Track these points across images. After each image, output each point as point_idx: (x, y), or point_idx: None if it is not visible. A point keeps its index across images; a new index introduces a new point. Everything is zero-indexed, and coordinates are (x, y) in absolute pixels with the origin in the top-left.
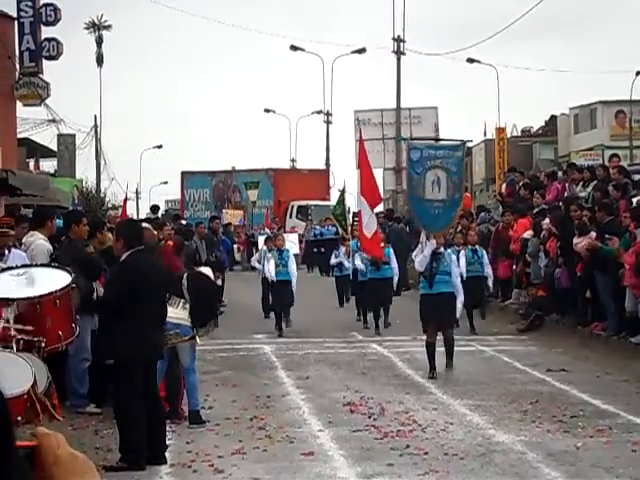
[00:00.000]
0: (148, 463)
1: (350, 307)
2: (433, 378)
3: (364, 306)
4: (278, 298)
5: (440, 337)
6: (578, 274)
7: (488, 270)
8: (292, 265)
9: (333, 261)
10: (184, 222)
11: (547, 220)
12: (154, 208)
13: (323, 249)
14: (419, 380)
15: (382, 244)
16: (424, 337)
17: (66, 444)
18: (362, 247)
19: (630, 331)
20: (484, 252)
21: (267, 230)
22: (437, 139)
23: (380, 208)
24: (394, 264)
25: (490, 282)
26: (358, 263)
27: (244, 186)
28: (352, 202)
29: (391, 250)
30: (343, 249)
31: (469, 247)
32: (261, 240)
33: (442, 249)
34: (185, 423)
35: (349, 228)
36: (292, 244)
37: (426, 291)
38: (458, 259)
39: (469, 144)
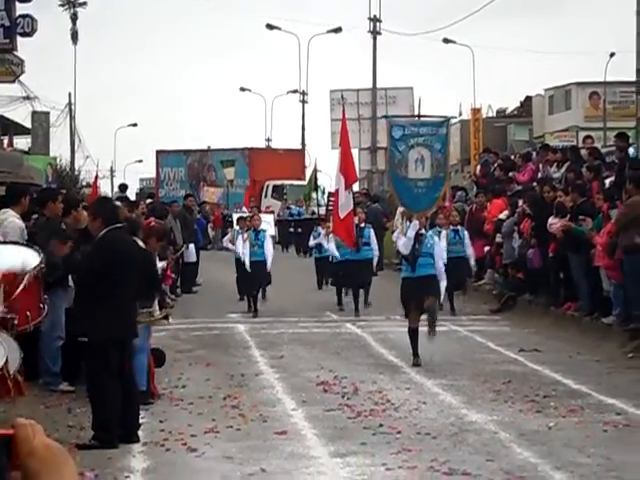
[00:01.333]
0: (121, 441)
1: (328, 288)
2: (418, 365)
3: (340, 288)
4: (253, 279)
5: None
6: (550, 255)
7: (469, 251)
8: (268, 245)
9: (312, 242)
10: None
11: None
12: (122, 187)
13: (300, 229)
14: (392, 360)
15: (362, 224)
16: (398, 317)
17: (43, 434)
18: (333, 228)
19: (602, 312)
20: (466, 233)
21: (245, 209)
22: (420, 116)
23: (356, 188)
24: (374, 244)
25: (472, 262)
26: (332, 246)
27: (220, 164)
28: (327, 182)
29: (371, 230)
30: (322, 230)
31: (450, 227)
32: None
33: (424, 230)
34: (158, 402)
35: (316, 209)
36: (268, 225)
37: (408, 274)
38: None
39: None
